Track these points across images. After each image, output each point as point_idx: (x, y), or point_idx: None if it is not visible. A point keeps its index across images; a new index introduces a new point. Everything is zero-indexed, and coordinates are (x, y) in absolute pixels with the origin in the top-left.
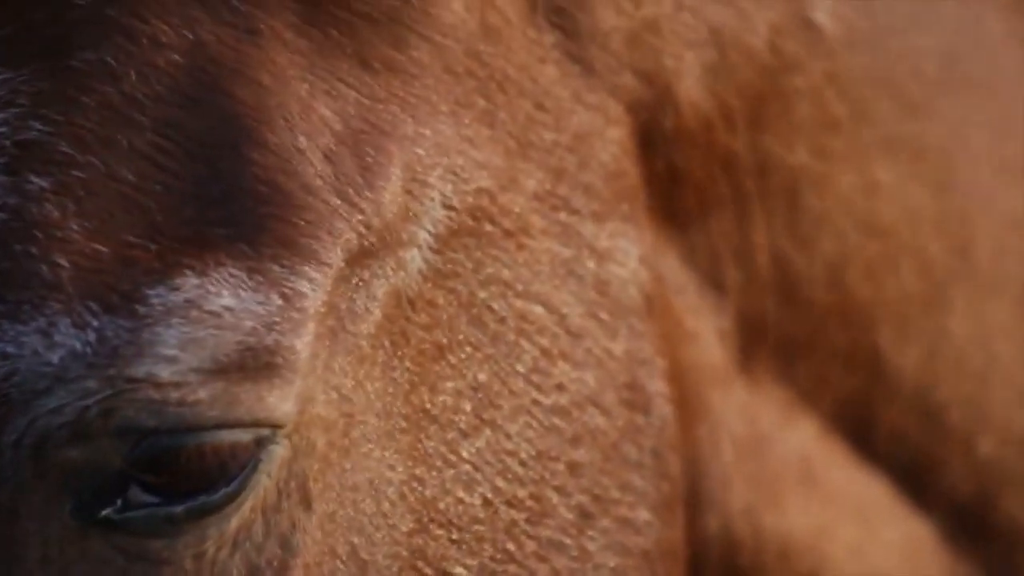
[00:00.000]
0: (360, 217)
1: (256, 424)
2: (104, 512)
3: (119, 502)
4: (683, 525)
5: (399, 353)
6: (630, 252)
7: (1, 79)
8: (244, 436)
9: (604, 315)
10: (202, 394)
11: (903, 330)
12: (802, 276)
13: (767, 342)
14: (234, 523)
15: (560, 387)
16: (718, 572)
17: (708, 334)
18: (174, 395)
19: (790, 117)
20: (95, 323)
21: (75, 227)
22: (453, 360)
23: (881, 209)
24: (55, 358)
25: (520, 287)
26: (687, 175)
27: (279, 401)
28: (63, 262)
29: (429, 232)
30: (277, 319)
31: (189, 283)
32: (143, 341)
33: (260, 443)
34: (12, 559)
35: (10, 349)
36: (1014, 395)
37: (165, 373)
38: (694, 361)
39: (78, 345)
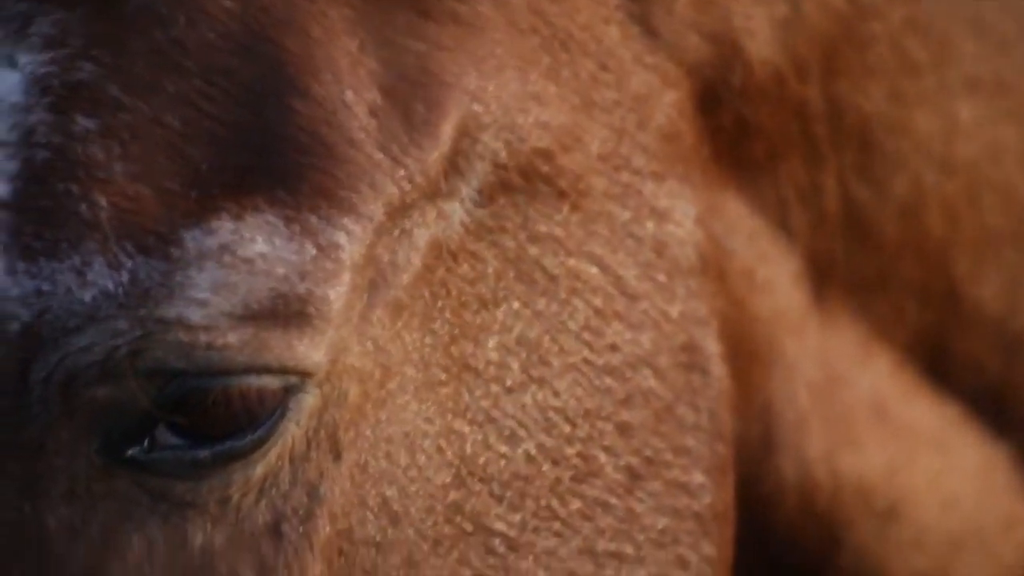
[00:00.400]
0: (403, 172)
1: (284, 371)
2: (131, 452)
3: (146, 443)
4: (735, 485)
5: (439, 304)
6: (687, 212)
7: (54, 19)
8: (272, 383)
9: (661, 276)
10: (231, 338)
11: (981, 263)
12: (873, 217)
13: (839, 281)
14: (260, 470)
15: (613, 347)
16: (793, 517)
17: (782, 280)
18: (203, 338)
19: (866, 63)
20: (129, 264)
21: (118, 169)
22: (499, 315)
23: (961, 147)
24: (87, 297)
25: (573, 246)
26: (757, 127)
27: (309, 350)
28: (103, 202)
29: (474, 187)
30: (310, 268)
31: (225, 228)
32: (175, 283)
33: (289, 391)
34: (38, 494)
35: (45, 286)
36: None
37: (195, 316)
38: (767, 310)
39: (110, 285)
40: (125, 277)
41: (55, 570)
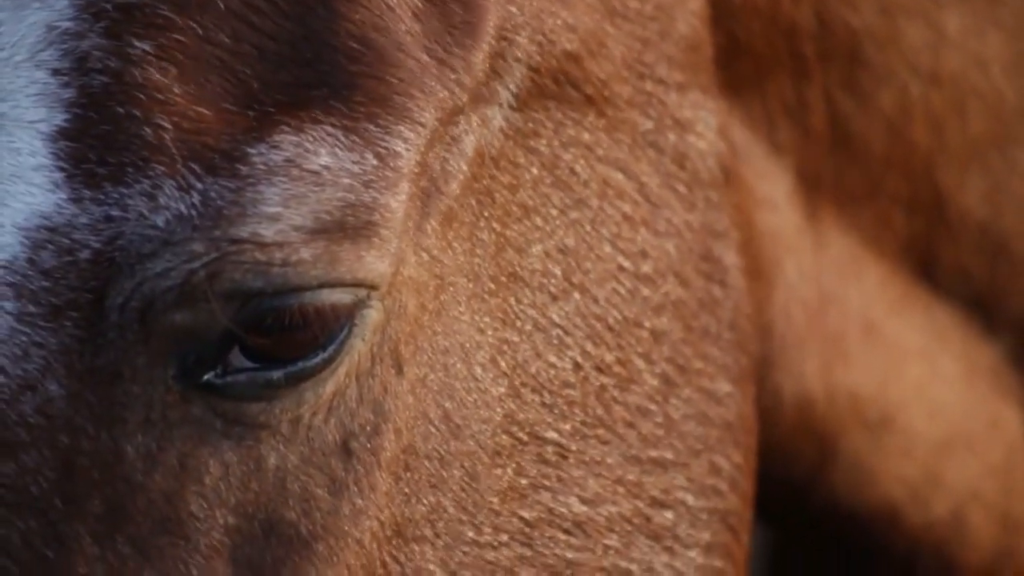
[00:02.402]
0: (451, 75)
1: (356, 284)
2: (206, 377)
3: (220, 367)
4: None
5: (485, 213)
6: (710, 123)
7: None
8: (344, 297)
9: (682, 187)
10: (305, 253)
11: (966, 169)
12: (860, 130)
13: (828, 196)
14: (329, 388)
15: (644, 254)
16: (790, 432)
17: (776, 196)
18: (278, 255)
19: None
20: (199, 185)
21: (176, 90)
22: (539, 222)
23: (948, 58)
24: (160, 221)
25: (601, 152)
26: (747, 46)
27: (376, 261)
28: (166, 124)
29: (511, 91)
30: (373, 178)
31: (288, 141)
32: (246, 200)
33: (357, 305)
34: (114, 421)
35: (114, 212)
36: None
37: (269, 232)
38: (768, 227)
39: (183, 207)
40: (196, 198)
41: (134, 498)
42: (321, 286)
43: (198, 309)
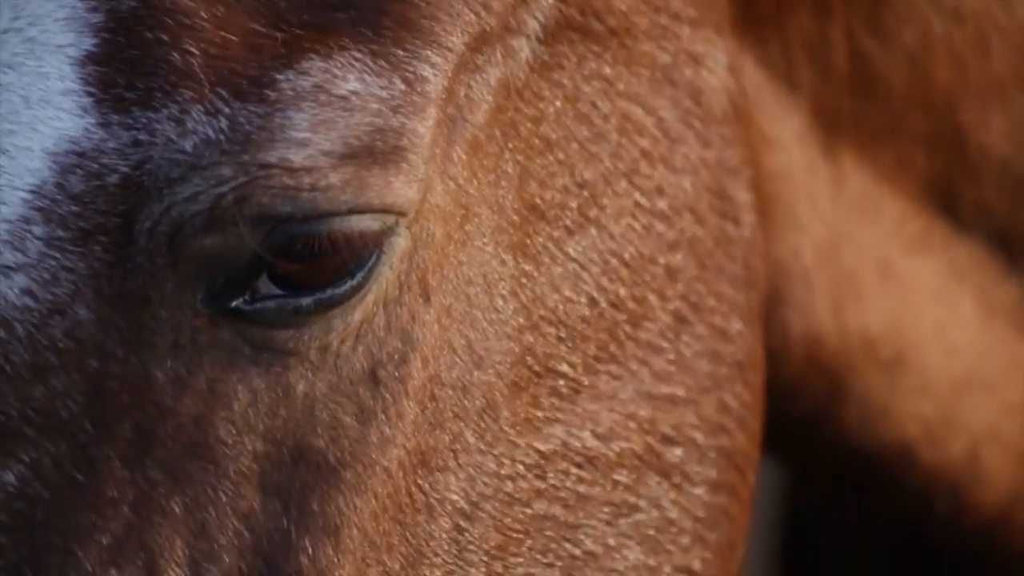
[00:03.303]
0: None
1: (384, 210)
2: (235, 303)
3: (248, 294)
4: (762, 335)
5: (510, 145)
6: (721, 60)
7: None
8: (373, 224)
9: (697, 123)
10: (333, 178)
11: (988, 107)
12: (881, 68)
13: (847, 135)
14: (358, 315)
15: (660, 190)
16: (799, 369)
17: (786, 136)
18: (307, 180)
19: None
20: (227, 110)
21: (204, 15)
22: (561, 156)
23: None
24: (188, 145)
25: (621, 86)
26: None
27: (404, 186)
28: (194, 49)
29: (539, 21)
30: (401, 102)
31: (316, 67)
32: (275, 126)
33: (385, 233)
34: (143, 345)
35: (142, 136)
36: None
37: (297, 157)
38: (776, 167)
39: (211, 132)
40: (224, 123)
41: (163, 422)
42: (350, 212)
43: (227, 234)
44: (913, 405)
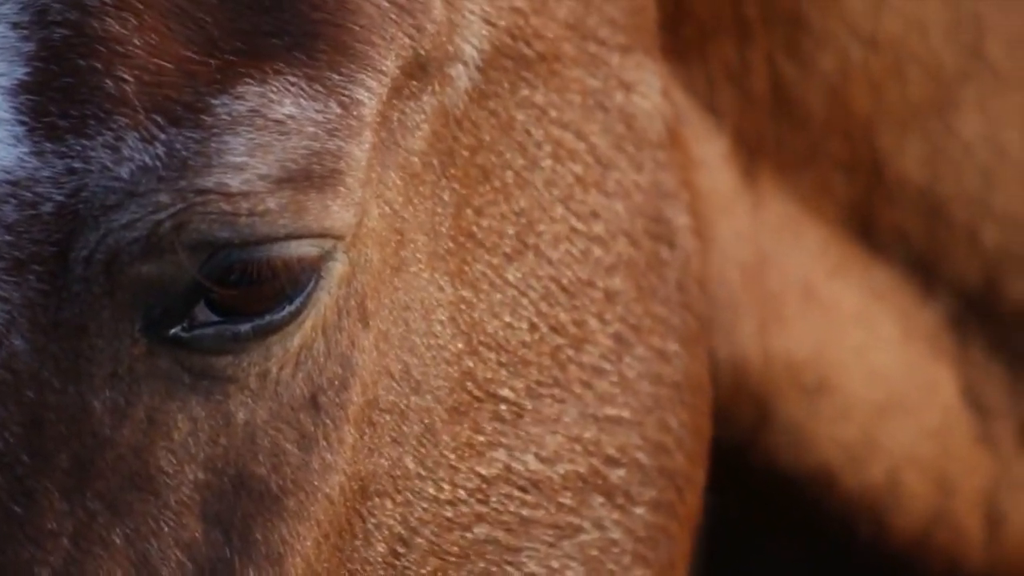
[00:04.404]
0: (411, 21)
1: (323, 234)
2: (173, 330)
3: (187, 321)
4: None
5: (447, 173)
6: (653, 85)
7: None
8: (311, 249)
9: (630, 148)
10: (271, 203)
11: (905, 134)
12: (801, 94)
13: (768, 160)
14: (297, 341)
15: (595, 215)
16: (726, 394)
17: (711, 159)
18: (244, 205)
19: None
20: (162, 136)
21: (137, 42)
22: (497, 184)
23: (888, 22)
24: (124, 172)
25: (553, 113)
26: (692, 10)
27: (342, 210)
28: (127, 76)
29: (474, 46)
30: (337, 126)
31: (251, 92)
32: (211, 151)
33: (323, 257)
34: (81, 375)
35: (77, 164)
36: (1020, 184)
37: (235, 182)
38: (703, 189)
39: (147, 159)
40: (161, 150)
41: (102, 452)
42: (288, 237)
43: (164, 261)
44: (835, 429)
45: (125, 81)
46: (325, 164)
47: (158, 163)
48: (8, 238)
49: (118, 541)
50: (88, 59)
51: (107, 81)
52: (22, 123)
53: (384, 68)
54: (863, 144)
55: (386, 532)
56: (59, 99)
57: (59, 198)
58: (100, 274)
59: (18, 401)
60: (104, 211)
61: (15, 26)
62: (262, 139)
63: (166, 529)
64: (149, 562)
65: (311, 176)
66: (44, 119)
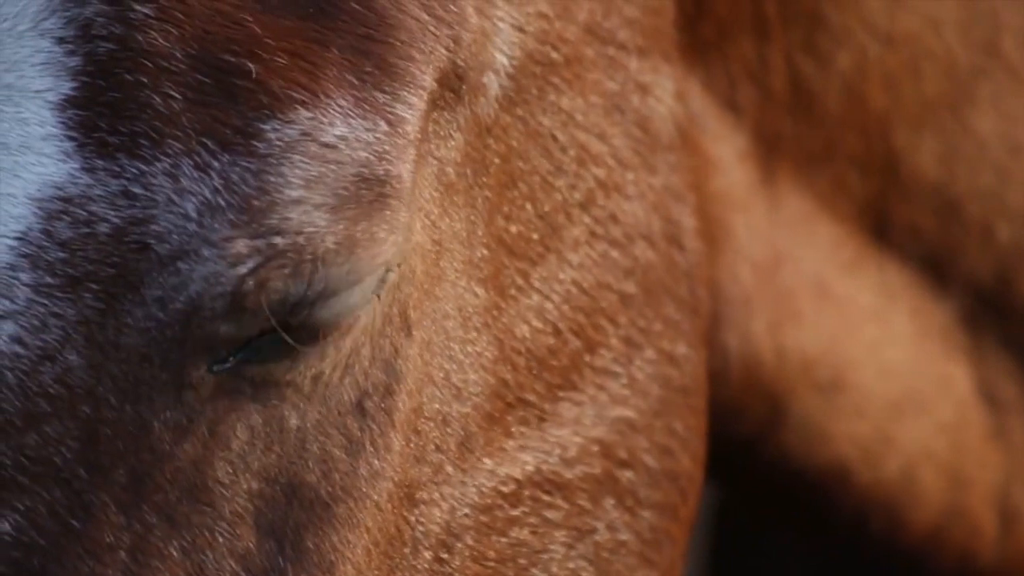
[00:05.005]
0: (449, 32)
1: (381, 267)
2: (239, 356)
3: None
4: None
5: (479, 181)
6: (668, 88)
7: None
8: (371, 283)
9: (645, 150)
10: (330, 242)
11: (920, 131)
12: (818, 91)
13: (786, 157)
14: (348, 344)
15: (614, 218)
16: (738, 391)
17: (729, 157)
18: (308, 250)
19: None
20: (215, 164)
21: (179, 55)
22: (524, 189)
23: (904, 20)
24: (192, 210)
25: (579, 117)
26: (712, 9)
27: (388, 234)
28: (174, 93)
29: (506, 55)
30: (387, 147)
31: (301, 116)
32: (271, 187)
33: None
34: (140, 398)
35: (135, 189)
36: None
37: (296, 221)
38: (718, 188)
39: (207, 193)
40: (218, 182)
41: (160, 466)
42: (352, 284)
43: (245, 321)
44: (849, 426)
45: (172, 98)
46: (374, 189)
47: (221, 201)
48: (62, 255)
49: (175, 553)
50: (135, 74)
51: (155, 97)
52: (71, 138)
53: (424, 83)
54: (879, 141)
55: (432, 539)
56: (108, 114)
57: (116, 221)
58: (176, 323)
59: (74, 416)
60: (181, 256)
61: (60, 41)
62: (316, 168)
63: (221, 540)
64: (205, 573)
65: (360, 202)
66: (93, 134)
